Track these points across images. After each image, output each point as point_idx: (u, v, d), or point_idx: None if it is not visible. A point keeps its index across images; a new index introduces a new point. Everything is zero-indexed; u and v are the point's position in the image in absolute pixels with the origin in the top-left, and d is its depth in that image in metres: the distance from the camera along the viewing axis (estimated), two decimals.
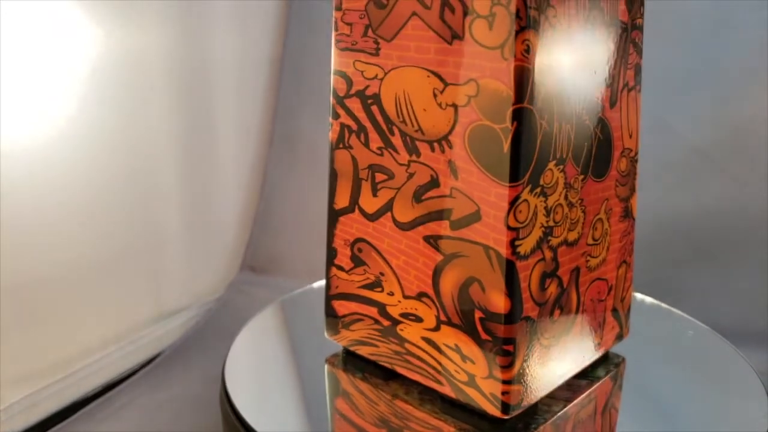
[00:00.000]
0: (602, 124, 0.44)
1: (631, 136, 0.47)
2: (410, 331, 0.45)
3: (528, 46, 0.36)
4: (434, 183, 0.41)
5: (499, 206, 0.38)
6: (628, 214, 0.48)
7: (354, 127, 0.46)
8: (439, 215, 0.42)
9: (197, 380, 0.70)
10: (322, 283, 0.51)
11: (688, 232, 0.76)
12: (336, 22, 0.46)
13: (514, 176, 0.38)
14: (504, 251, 0.38)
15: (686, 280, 0.76)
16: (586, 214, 0.44)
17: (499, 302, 0.39)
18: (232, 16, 0.84)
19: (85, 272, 0.67)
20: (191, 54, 0.79)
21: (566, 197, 0.41)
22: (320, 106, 0.85)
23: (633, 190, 0.49)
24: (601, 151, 0.44)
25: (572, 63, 0.40)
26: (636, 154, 0.48)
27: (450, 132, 0.40)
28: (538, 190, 0.39)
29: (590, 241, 0.45)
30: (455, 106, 0.40)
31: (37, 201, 0.62)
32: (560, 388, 0.46)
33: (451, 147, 0.40)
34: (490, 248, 0.39)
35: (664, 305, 0.62)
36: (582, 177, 0.43)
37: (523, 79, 0.37)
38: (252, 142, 0.93)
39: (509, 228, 0.38)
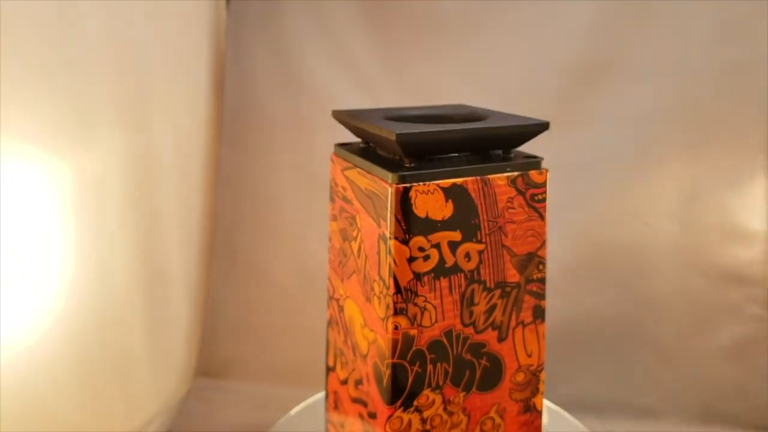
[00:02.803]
0: (488, 356, 0.60)
1: (530, 355, 0.62)
2: None
3: (396, 325, 0.55)
4: (361, 381, 0.62)
5: (382, 418, 0.58)
6: (529, 409, 0.63)
7: (336, 318, 0.67)
8: (363, 405, 0.62)
9: None
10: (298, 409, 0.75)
11: (553, 334, 0.96)
12: (330, 241, 0.67)
13: (391, 402, 0.57)
14: None
15: (551, 371, 0.94)
16: (470, 417, 0.61)
17: None
18: (173, 145, 0.92)
19: (61, 395, 0.73)
20: (138, 185, 0.85)
21: (445, 409, 0.59)
22: (257, 224, 1.03)
23: (536, 392, 0.63)
24: (488, 374, 0.60)
25: (443, 325, 0.57)
26: (539, 366, 0.63)
27: (367, 354, 0.60)
28: (412, 408, 0.57)
29: None
30: (368, 341, 0.59)
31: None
32: None
33: (367, 366, 0.60)
34: None
35: None
36: (464, 393, 0.60)
37: (395, 346, 0.55)
38: (195, 261, 1.00)
39: None
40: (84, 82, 0.74)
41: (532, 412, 0.64)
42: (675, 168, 0.95)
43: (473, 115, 0.61)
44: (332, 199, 0.66)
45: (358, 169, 0.58)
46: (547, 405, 0.79)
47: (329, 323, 0.70)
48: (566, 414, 0.79)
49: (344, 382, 0.66)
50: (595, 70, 0.95)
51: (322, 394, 0.82)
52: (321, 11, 0.99)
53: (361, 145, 0.63)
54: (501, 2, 0.96)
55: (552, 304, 0.93)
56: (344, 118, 0.61)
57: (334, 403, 0.70)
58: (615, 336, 0.97)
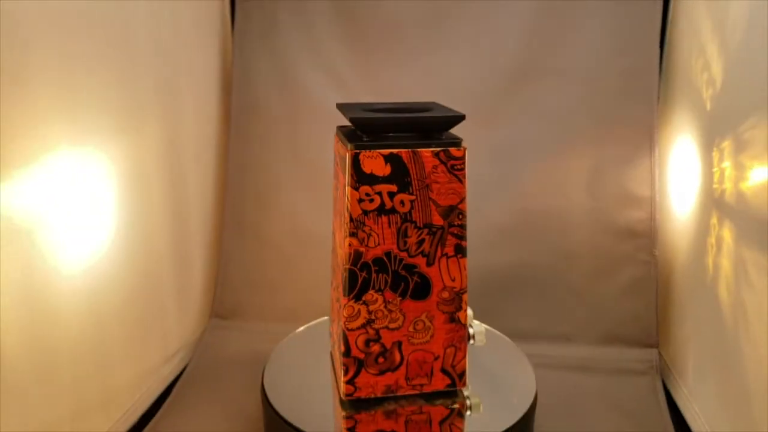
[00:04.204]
0: (419, 274, 0.87)
1: (453, 280, 0.88)
2: (334, 350, 0.96)
3: (350, 243, 0.84)
4: (339, 285, 0.92)
5: (342, 307, 0.87)
6: (454, 320, 0.89)
7: (334, 245, 0.98)
8: (338, 300, 0.92)
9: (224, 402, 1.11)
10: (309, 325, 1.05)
11: (493, 279, 1.22)
12: (333, 192, 0.98)
13: (347, 294, 0.86)
14: (343, 326, 0.87)
15: (492, 306, 1.22)
16: (406, 316, 0.88)
17: (342, 349, 0.88)
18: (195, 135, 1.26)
19: (110, 329, 1.00)
20: (170, 166, 1.16)
21: (386, 306, 0.87)
22: (259, 197, 1.34)
23: (459, 308, 0.89)
24: (419, 287, 0.87)
25: (384, 247, 0.85)
26: (462, 288, 0.88)
27: (340, 265, 0.90)
28: (361, 302, 0.86)
29: (411, 330, 0.89)
30: (340, 257, 0.89)
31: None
32: (402, 399, 0.92)
33: (340, 272, 0.90)
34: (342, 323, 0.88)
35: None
36: (400, 299, 0.87)
37: (349, 257, 0.84)
38: (210, 228, 1.32)
39: (344, 316, 0.87)
40: (133, 91, 1.10)
41: (456, 323, 0.89)
42: (585, 150, 1.25)
43: (426, 108, 0.88)
44: (335, 163, 0.96)
45: (341, 142, 0.88)
46: (488, 329, 1.04)
47: (332, 250, 1.00)
48: (501, 334, 1.04)
49: (335, 288, 0.96)
50: (525, 73, 1.25)
51: (320, 319, 1.14)
52: (310, 30, 1.34)
53: (352, 127, 0.92)
54: (452, 21, 1.27)
55: (490, 256, 1.25)
56: (340, 109, 0.91)
57: (331, 304, 1.00)
58: (539, 280, 1.24)
